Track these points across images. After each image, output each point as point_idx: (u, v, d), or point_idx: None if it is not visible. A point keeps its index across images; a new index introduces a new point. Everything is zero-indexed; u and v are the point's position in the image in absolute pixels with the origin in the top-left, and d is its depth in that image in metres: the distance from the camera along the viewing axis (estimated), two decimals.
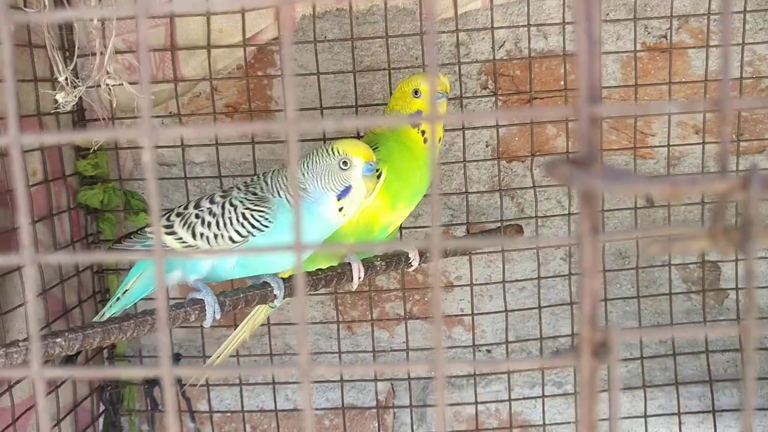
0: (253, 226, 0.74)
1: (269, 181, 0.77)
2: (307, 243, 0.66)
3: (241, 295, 0.77)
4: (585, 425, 0.23)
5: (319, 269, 0.83)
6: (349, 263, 0.85)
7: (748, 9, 0.99)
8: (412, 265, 0.89)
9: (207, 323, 0.73)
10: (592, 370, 0.23)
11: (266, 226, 0.74)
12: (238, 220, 0.75)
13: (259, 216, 0.74)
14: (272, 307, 0.91)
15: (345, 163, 0.76)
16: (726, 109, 0.23)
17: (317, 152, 0.78)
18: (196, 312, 0.73)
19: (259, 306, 0.87)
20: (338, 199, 0.75)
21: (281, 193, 0.76)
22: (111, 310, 0.80)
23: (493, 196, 1.04)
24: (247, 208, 0.75)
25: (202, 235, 0.75)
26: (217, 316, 0.73)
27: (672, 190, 0.23)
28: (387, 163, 0.83)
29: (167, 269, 0.78)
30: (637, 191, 0.23)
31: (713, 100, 0.24)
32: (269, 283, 0.79)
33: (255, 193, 0.76)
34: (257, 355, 1.07)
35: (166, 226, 0.77)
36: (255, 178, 0.80)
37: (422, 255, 0.90)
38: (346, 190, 0.76)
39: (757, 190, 0.22)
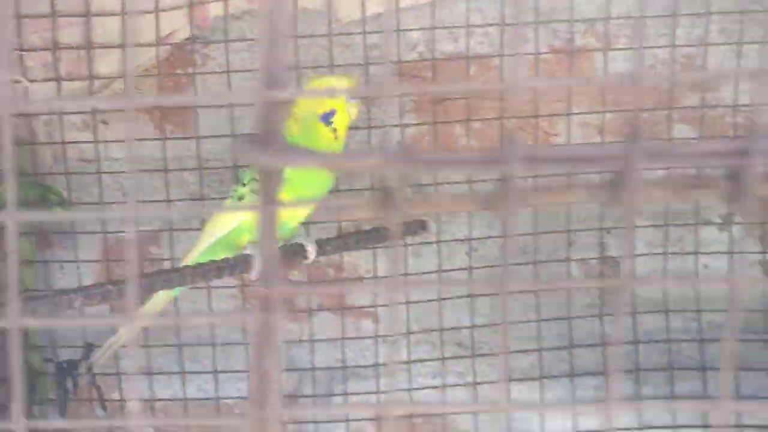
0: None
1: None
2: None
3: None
4: (255, 374, 0.27)
5: (213, 260, 0.86)
6: (249, 254, 0.88)
7: (652, 14, 1.04)
8: (308, 258, 0.92)
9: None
10: (261, 323, 0.26)
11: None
12: None
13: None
14: (175, 295, 0.94)
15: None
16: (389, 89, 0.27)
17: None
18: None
19: (161, 293, 0.90)
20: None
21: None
22: None
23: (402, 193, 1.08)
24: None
25: None
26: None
27: (326, 163, 0.26)
28: None
29: None
30: (308, 166, 0.27)
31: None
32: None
33: None
34: (171, 345, 1.10)
35: None
36: None
37: (321, 248, 0.93)
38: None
39: (396, 161, 0.26)
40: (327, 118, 0.87)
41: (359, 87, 0.90)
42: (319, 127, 0.87)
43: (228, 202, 0.92)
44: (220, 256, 0.88)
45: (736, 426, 1.09)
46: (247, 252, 0.88)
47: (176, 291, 0.92)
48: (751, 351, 1.10)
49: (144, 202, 1.08)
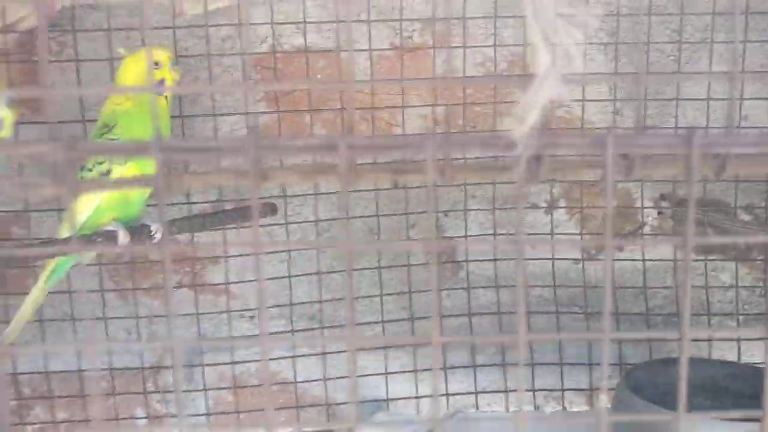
0: None
1: None
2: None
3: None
4: None
5: (84, 234, 0.93)
6: (110, 230, 0.95)
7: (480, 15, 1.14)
8: (155, 238, 0.99)
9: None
10: None
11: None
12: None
13: None
14: (51, 284, 0.99)
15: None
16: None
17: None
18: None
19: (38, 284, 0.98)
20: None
21: None
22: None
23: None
24: None
25: None
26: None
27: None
28: (131, 136, 0.94)
29: None
30: None
31: None
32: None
33: None
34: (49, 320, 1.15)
35: None
36: None
37: (168, 228, 1.00)
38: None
39: (59, 149, 0.33)
40: (159, 88, 0.95)
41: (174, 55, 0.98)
42: (152, 98, 0.95)
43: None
44: (86, 231, 0.95)
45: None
46: (110, 228, 0.95)
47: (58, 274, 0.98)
48: (575, 323, 1.22)
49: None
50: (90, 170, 0.97)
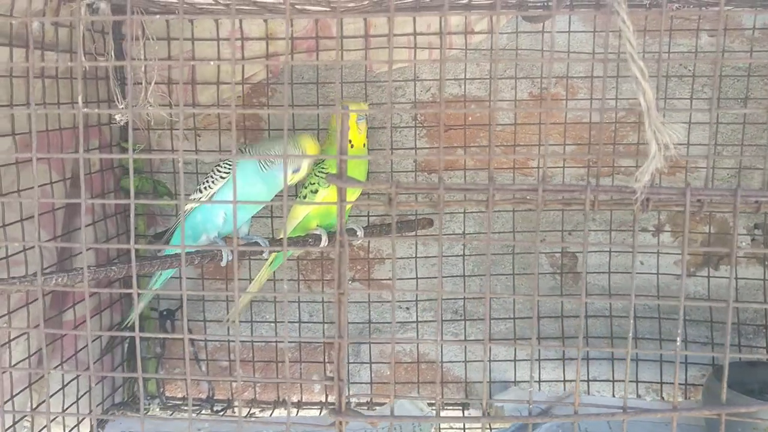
0: (217, 172, 1.20)
1: (250, 150, 1.23)
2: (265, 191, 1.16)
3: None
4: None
5: (291, 236, 1.26)
6: (317, 234, 1.27)
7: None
8: (358, 238, 1.31)
9: (223, 262, 1.19)
10: (340, 252, 0.64)
11: (227, 173, 1.18)
12: (212, 171, 1.22)
13: (223, 165, 1.20)
14: (272, 269, 1.33)
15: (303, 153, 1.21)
16: None
17: (289, 142, 1.21)
18: (209, 257, 1.17)
19: (263, 269, 1.30)
20: (293, 173, 1.21)
21: (253, 156, 1.20)
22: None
23: (416, 196, 1.46)
24: (217, 165, 1.23)
25: (201, 190, 1.22)
26: (230, 258, 1.16)
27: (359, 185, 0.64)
28: (332, 169, 1.26)
29: (197, 235, 1.22)
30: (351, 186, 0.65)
31: None
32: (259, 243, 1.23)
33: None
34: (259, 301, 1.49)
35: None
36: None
37: (366, 232, 1.32)
38: (298, 168, 1.21)
39: (384, 183, 0.63)
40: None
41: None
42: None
43: (299, 198, 1.31)
44: (297, 233, 1.28)
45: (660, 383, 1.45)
46: (317, 232, 1.27)
47: (277, 263, 1.32)
48: (674, 329, 1.45)
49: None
50: (305, 187, 1.29)
